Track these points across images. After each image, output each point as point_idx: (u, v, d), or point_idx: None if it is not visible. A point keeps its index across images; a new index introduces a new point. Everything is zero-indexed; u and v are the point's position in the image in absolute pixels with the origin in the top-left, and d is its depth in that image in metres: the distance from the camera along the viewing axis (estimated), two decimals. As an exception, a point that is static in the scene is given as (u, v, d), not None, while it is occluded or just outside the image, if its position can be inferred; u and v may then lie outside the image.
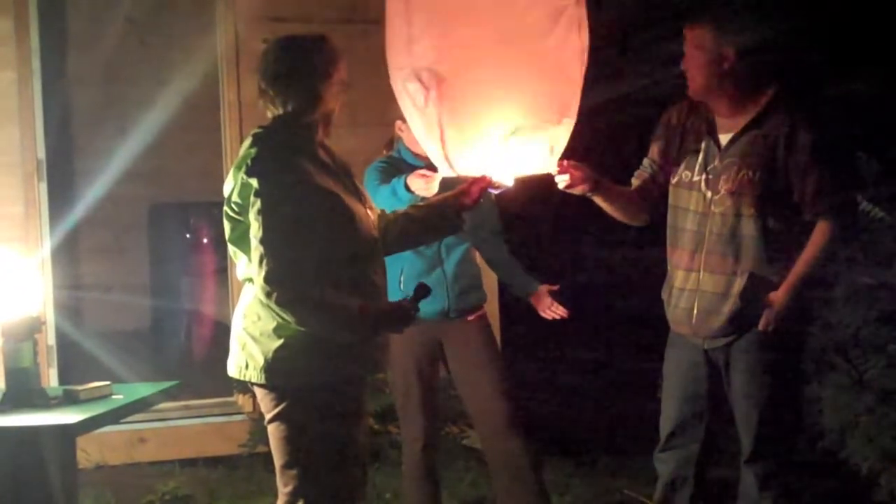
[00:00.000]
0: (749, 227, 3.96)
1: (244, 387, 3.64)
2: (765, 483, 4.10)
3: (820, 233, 3.95)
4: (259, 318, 3.40)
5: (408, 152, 4.63)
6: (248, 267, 3.40)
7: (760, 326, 3.95)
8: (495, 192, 3.64)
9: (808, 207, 3.95)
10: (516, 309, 6.56)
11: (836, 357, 5.53)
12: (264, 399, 3.48)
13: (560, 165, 3.71)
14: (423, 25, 3.38)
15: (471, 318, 4.77)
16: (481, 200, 3.71)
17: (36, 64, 6.23)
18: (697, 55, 3.98)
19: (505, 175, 3.55)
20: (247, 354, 3.45)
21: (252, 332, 3.43)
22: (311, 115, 3.44)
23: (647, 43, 8.77)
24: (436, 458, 4.86)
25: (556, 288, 4.87)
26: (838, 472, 5.36)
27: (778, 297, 3.94)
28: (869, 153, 5.54)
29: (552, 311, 4.88)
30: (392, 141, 4.85)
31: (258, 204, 3.30)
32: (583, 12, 3.51)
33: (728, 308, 3.98)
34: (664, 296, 4.23)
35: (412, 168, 4.33)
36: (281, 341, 3.37)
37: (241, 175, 3.34)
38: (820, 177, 3.91)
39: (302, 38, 3.49)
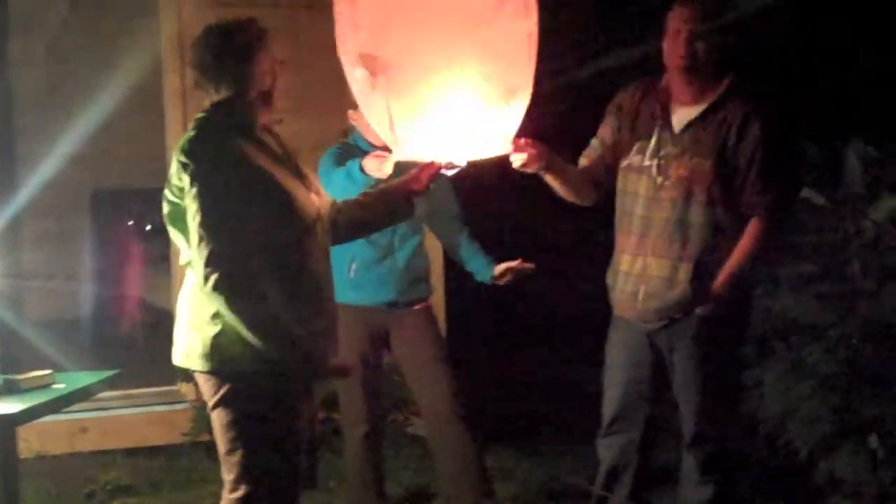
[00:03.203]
0: (698, 214, 3.99)
1: (187, 375, 3.62)
2: (706, 467, 4.14)
3: (754, 227, 3.98)
4: (199, 304, 3.38)
5: (362, 140, 4.63)
6: (188, 251, 3.38)
7: (701, 311, 3.98)
8: (449, 172, 3.63)
9: (747, 202, 3.98)
10: (462, 300, 6.58)
11: (777, 343, 5.58)
12: (206, 386, 3.46)
13: (515, 143, 3.70)
14: (368, 10, 3.36)
15: (417, 307, 4.79)
16: (432, 186, 3.71)
17: (-24, 46, 6.15)
18: (693, 28, 3.93)
19: (457, 157, 3.55)
20: (188, 341, 3.44)
21: (192, 318, 3.42)
22: (245, 97, 3.43)
23: (605, 24, 8.82)
24: (379, 445, 4.88)
25: (516, 263, 4.82)
26: (778, 456, 5.41)
27: (716, 285, 3.97)
28: (815, 140, 5.59)
29: (517, 266, 4.80)
30: (347, 130, 4.83)
31: (195, 187, 3.28)
32: None
33: (673, 293, 4.01)
34: (609, 280, 4.24)
35: (366, 154, 4.31)
36: (219, 327, 3.34)
37: (179, 157, 3.33)
38: (761, 173, 3.94)
39: (225, 23, 3.48)
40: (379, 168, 4.09)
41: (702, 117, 4.01)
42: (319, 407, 5.73)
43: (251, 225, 3.29)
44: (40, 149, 8.40)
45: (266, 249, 3.32)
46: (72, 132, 8.63)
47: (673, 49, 3.99)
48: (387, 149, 3.80)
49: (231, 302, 3.25)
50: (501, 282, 4.81)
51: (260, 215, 3.32)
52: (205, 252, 3.25)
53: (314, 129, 5.41)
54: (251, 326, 3.27)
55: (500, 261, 4.81)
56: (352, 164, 4.24)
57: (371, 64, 3.35)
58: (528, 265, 4.78)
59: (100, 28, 9.80)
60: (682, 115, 4.05)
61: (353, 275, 4.63)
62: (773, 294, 5.60)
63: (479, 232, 4.94)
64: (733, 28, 4.03)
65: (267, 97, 3.48)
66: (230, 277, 3.25)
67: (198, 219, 3.27)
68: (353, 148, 4.64)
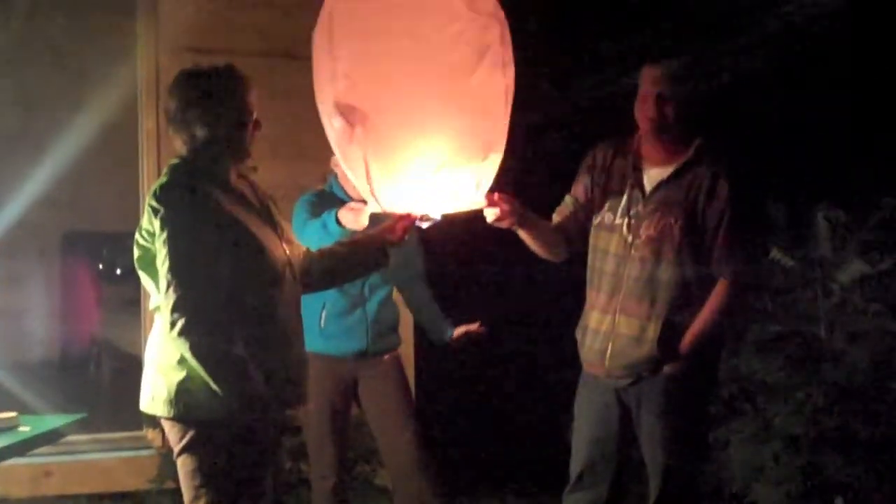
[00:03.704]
0: (667, 274, 4.00)
1: (154, 420, 3.59)
2: (672, 526, 4.13)
3: (722, 288, 4.01)
4: (166, 350, 3.38)
5: (340, 188, 4.63)
6: (157, 296, 3.38)
7: (669, 370, 4.00)
8: (424, 225, 3.64)
9: (715, 264, 4.00)
10: (431, 352, 6.57)
11: (743, 403, 5.60)
12: (171, 432, 3.45)
13: (489, 198, 3.72)
14: (347, 62, 3.38)
15: (386, 357, 4.78)
16: (406, 238, 3.72)
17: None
18: (664, 93, 3.96)
19: (432, 210, 3.57)
20: (154, 386, 3.42)
21: (159, 363, 3.41)
22: (218, 143, 3.43)
23: (580, 80, 8.90)
24: (346, 496, 4.84)
25: (474, 327, 4.88)
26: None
27: (684, 344, 3.99)
28: (783, 200, 5.64)
29: (470, 329, 4.87)
30: (325, 175, 4.84)
31: (165, 232, 3.29)
32: (508, 51, 3.53)
33: (641, 352, 4.02)
34: (578, 335, 4.25)
35: (342, 203, 4.31)
36: (185, 373, 3.34)
37: (151, 202, 3.33)
38: (729, 235, 3.96)
39: (200, 70, 3.48)
40: (355, 220, 4.10)
41: (672, 178, 4.04)
42: (287, 457, 5.70)
43: (219, 272, 3.29)
44: (11, 190, 8.37)
45: (234, 297, 3.31)
46: (44, 174, 8.61)
47: (642, 111, 4.04)
48: (363, 200, 3.81)
49: (196, 348, 3.24)
50: (458, 344, 4.86)
51: (228, 263, 3.32)
52: (172, 298, 3.25)
53: (289, 176, 5.42)
54: (214, 374, 3.26)
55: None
56: (327, 216, 4.24)
57: (349, 115, 3.37)
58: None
59: (75, 70, 9.81)
60: (652, 175, 4.08)
61: (324, 324, 4.63)
62: (741, 354, 5.63)
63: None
64: (703, 90, 4.07)
65: (241, 144, 3.48)
66: (196, 324, 3.24)
67: (166, 264, 3.27)
68: (328, 196, 4.65)
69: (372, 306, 4.71)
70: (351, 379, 4.76)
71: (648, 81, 4.02)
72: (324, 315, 4.62)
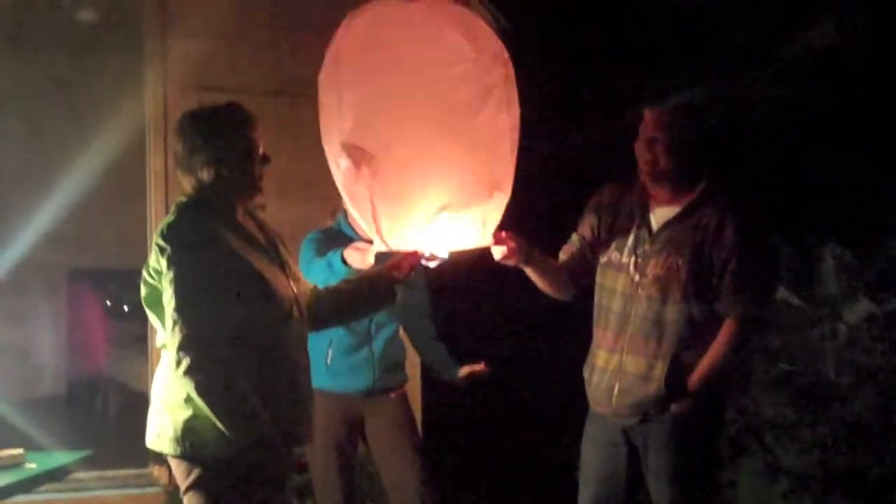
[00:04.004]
0: (674, 313, 4.00)
1: (160, 458, 3.59)
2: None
3: (729, 327, 4.00)
4: (172, 387, 3.37)
5: (348, 225, 4.62)
6: (164, 334, 3.37)
7: (676, 409, 3.99)
8: (430, 264, 3.65)
9: (722, 303, 4.00)
10: (438, 389, 6.56)
11: (751, 442, 5.58)
12: (178, 469, 3.44)
13: (496, 237, 3.73)
14: (353, 102, 3.40)
15: (393, 395, 4.77)
16: (412, 276, 3.73)
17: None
18: (664, 138, 3.99)
19: (438, 249, 3.57)
20: (160, 424, 3.42)
21: (166, 400, 3.41)
22: (225, 182, 3.44)
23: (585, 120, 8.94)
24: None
25: (480, 367, 4.88)
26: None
27: (691, 383, 3.98)
28: (790, 239, 5.65)
29: (474, 370, 4.87)
30: (335, 211, 4.83)
31: (171, 271, 3.29)
32: (513, 90, 3.55)
33: (648, 390, 4.01)
34: (585, 374, 4.24)
35: (349, 241, 4.31)
36: (191, 411, 3.33)
37: (158, 241, 3.34)
38: (736, 274, 3.96)
39: (203, 110, 3.49)
40: (361, 259, 4.10)
41: (679, 217, 4.05)
42: (293, 494, 5.67)
43: (226, 311, 3.29)
44: (18, 226, 8.39)
45: (241, 336, 3.31)
46: (51, 210, 8.64)
47: (640, 156, 4.06)
48: (370, 239, 3.81)
49: (202, 387, 3.24)
50: (464, 383, 4.85)
51: (235, 302, 3.32)
52: (178, 336, 3.25)
53: (296, 214, 5.42)
54: (220, 412, 3.26)
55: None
56: (333, 255, 4.24)
57: (355, 155, 3.38)
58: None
59: (83, 107, 9.86)
60: (659, 215, 4.09)
61: (330, 361, 4.62)
62: (749, 392, 5.62)
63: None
64: (703, 133, 4.08)
65: (249, 180, 3.49)
66: (202, 363, 3.24)
67: (173, 303, 3.27)
68: (336, 233, 4.65)
69: (378, 344, 4.71)
70: (357, 416, 4.75)
71: (644, 125, 4.05)
72: (330, 352, 4.62)
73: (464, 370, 4.85)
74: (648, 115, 4.06)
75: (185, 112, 3.51)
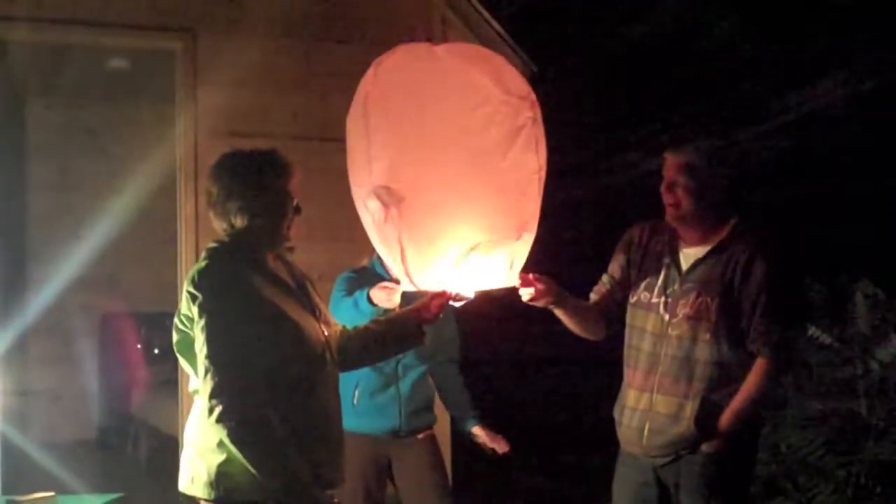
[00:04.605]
0: (704, 352, 3.99)
1: (193, 502, 3.58)
2: None
3: (760, 366, 3.99)
4: (205, 432, 3.36)
5: (380, 265, 4.62)
6: (196, 380, 3.38)
7: (707, 448, 3.97)
8: (458, 304, 3.66)
9: (753, 342, 3.99)
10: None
11: (784, 482, 5.54)
12: (211, 514, 3.44)
13: (523, 278, 3.74)
14: (382, 145, 3.42)
15: (420, 436, 4.77)
16: (441, 317, 3.73)
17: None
18: (685, 181, 4.01)
19: (465, 289, 3.58)
20: (193, 469, 3.42)
21: (198, 445, 3.40)
22: (260, 228, 3.44)
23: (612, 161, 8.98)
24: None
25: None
26: None
27: (722, 423, 3.97)
28: (821, 278, 5.64)
29: (494, 444, 4.91)
30: (372, 251, 4.85)
31: (203, 319, 3.29)
32: (540, 131, 3.57)
33: (679, 430, 3.99)
34: (616, 414, 4.24)
35: (381, 280, 4.32)
36: (224, 456, 3.33)
37: (189, 288, 3.35)
38: (766, 314, 3.96)
39: (242, 154, 3.49)
40: (388, 298, 4.11)
41: (708, 256, 4.04)
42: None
43: (258, 358, 3.29)
44: (51, 271, 8.46)
45: (273, 382, 3.31)
46: (83, 255, 8.71)
47: (665, 198, 4.08)
48: (397, 279, 3.83)
49: (234, 433, 3.23)
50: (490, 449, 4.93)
51: (267, 349, 3.31)
52: (210, 384, 3.25)
53: (325, 256, 5.44)
54: (253, 458, 3.25)
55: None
56: (359, 295, 4.26)
57: (384, 197, 3.40)
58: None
59: (115, 153, 9.97)
60: (689, 254, 4.10)
61: (356, 402, 4.62)
62: (781, 432, 5.58)
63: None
64: (731, 174, 4.09)
65: (280, 228, 3.49)
66: (234, 410, 3.23)
67: (204, 351, 3.28)
68: (368, 272, 4.66)
69: (405, 385, 4.71)
70: (385, 457, 4.75)
71: (666, 168, 4.07)
72: (356, 393, 4.62)
73: (482, 435, 4.90)
74: (668, 158, 4.08)
75: (225, 153, 3.51)
